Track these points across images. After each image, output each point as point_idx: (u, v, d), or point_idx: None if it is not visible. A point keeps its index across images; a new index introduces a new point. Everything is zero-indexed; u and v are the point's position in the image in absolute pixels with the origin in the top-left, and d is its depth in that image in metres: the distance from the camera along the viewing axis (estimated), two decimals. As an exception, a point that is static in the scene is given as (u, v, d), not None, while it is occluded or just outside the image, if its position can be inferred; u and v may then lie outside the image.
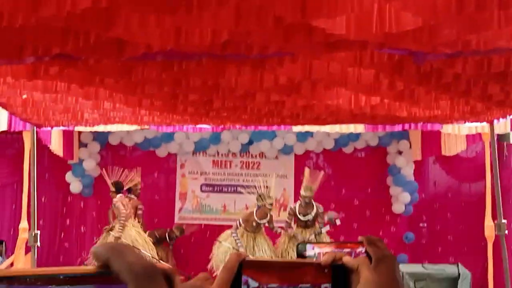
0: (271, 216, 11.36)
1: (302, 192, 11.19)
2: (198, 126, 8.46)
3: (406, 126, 9.36)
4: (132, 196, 11.74)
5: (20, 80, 5.14)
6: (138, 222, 11.31)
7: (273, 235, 11.58)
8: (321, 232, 11.14)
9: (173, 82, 5.28)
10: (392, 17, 3.42)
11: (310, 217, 11.15)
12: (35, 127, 8.35)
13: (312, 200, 11.25)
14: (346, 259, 1.06)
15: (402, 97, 6.07)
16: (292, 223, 11.45)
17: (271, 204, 11.37)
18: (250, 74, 5.10)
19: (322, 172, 12.07)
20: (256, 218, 11.14)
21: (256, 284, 0.99)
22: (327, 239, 11.01)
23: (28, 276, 0.82)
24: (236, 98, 5.99)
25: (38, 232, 8.54)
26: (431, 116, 7.49)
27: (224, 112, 6.74)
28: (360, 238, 1.49)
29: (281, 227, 11.45)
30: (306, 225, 11.24)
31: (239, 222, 11.27)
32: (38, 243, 8.52)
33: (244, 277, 1.00)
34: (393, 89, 5.62)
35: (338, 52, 4.46)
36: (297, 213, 11.14)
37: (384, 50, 4.40)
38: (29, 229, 9.64)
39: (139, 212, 11.62)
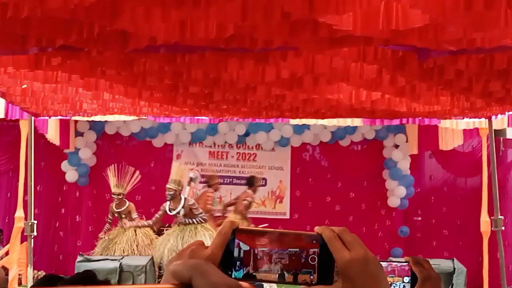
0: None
1: (170, 184, 10.88)
2: (196, 117, 8.42)
3: (404, 120, 9.37)
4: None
5: (21, 70, 5.12)
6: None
7: None
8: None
9: (174, 74, 5.26)
10: (399, 14, 3.41)
11: (178, 210, 10.95)
12: (32, 117, 8.32)
13: (179, 194, 10.93)
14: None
15: (403, 93, 6.07)
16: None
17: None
18: (252, 68, 5.09)
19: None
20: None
21: (247, 247, 1.05)
22: None
23: None
24: (237, 91, 5.98)
25: (35, 222, 8.53)
26: (430, 112, 7.50)
27: (224, 104, 6.72)
28: (405, 258, 1.51)
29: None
30: (184, 222, 10.95)
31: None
32: (35, 233, 8.51)
33: (236, 241, 1.05)
34: (394, 84, 5.61)
35: (343, 47, 4.45)
36: (168, 210, 10.93)
37: (389, 47, 4.40)
38: (25, 218, 9.63)
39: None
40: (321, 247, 1.06)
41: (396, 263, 1.62)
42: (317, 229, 1.08)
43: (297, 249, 1.05)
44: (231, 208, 12.16)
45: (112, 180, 11.43)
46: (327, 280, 1.06)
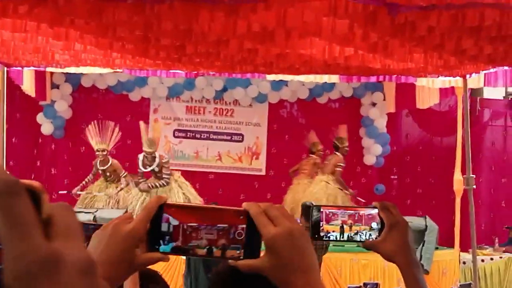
0: None
1: (146, 148, 11.00)
2: (172, 71, 8.35)
3: (381, 78, 9.37)
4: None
5: (-13, 18, 5.03)
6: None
7: None
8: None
9: (144, 25, 5.19)
10: (367, -34, 3.37)
11: (153, 167, 11.04)
12: (5, 67, 8.21)
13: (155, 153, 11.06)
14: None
15: (375, 49, 6.03)
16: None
17: None
18: (223, 20, 5.03)
19: None
20: None
21: (177, 222, 1.07)
22: None
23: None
24: (209, 44, 5.92)
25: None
26: (404, 69, 7.47)
27: (197, 58, 6.65)
28: (374, 203, 1.50)
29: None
30: (156, 176, 11.11)
31: None
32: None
33: (165, 215, 1.07)
34: (366, 40, 5.58)
35: (313, 0, 4.41)
36: (140, 166, 11.04)
37: (359, 0, 4.36)
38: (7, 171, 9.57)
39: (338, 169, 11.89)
40: (248, 223, 1.09)
41: (364, 211, 1.62)
42: (244, 205, 1.10)
43: (226, 225, 1.09)
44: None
45: (94, 137, 11.36)
46: (254, 255, 1.09)
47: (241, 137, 13.86)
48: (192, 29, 5.28)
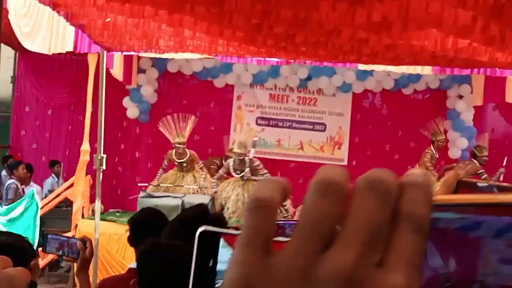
0: None
1: (236, 148, 10.71)
2: (264, 59, 8.32)
3: (472, 70, 9.19)
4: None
5: (110, 4, 5.08)
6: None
7: None
8: None
9: (263, 13, 5.16)
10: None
11: (244, 173, 10.83)
12: (105, 51, 8.31)
13: (245, 157, 10.79)
14: None
15: (491, 41, 5.88)
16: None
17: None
18: (344, 10, 4.96)
19: None
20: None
21: None
22: None
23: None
24: (321, 33, 5.86)
25: (104, 156, 8.60)
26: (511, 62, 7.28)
27: (303, 46, 6.60)
28: None
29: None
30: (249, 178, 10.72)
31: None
32: (104, 167, 8.57)
33: None
34: (486, 32, 5.43)
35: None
36: (233, 171, 10.77)
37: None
38: (91, 152, 9.74)
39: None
40: None
41: None
42: None
43: None
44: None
45: (170, 130, 11.34)
46: None
47: (323, 126, 13.76)
48: (310, 17, 5.23)
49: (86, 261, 3.71)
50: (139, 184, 11.66)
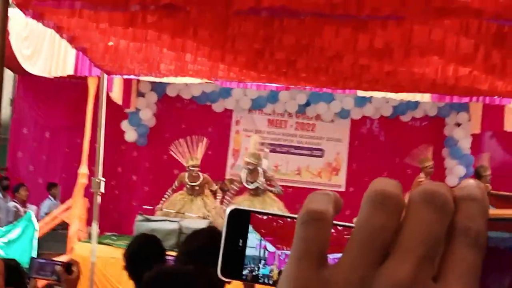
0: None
1: (246, 158, 10.65)
2: (269, 84, 8.34)
3: (474, 99, 9.19)
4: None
5: (113, 27, 5.09)
6: None
7: None
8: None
9: (265, 39, 5.18)
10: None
11: (257, 184, 10.77)
12: (105, 74, 8.33)
13: (258, 167, 10.73)
14: None
15: (493, 70, 5.91)
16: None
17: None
18: (347, 36, 4.98)
19: None
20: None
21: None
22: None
23: None
24: (323, 59, 5.89)
25: (103, 179, 8.58)
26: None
27: (304, 73, 6.63)
28: None
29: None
30: (256, 193, 10.74)
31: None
32: (102, 190, 8.55)
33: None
34: (488, 61, 5.45)
35: (449, 19, 4.33)
36: (245, 181, 10.64)
37: (498, 21, 4.26)
38: (89, 175, 9.72)
39: None
40: None
41: None
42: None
43: None
44: None
45: (184, 154, 11.23)
46: None
47: (321, 152, 13.77)
48: (313, 43, 5.25)
49: (70, 284, 3.69)
50: (144, 206, 11.59)
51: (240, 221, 0.80)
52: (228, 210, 0.80)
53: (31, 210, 10.58)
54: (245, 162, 10.68)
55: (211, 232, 3.33)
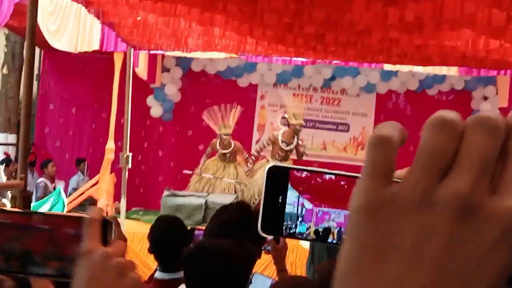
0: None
1: (294, 120, 10.68)
2: (296, 58, 8.30)
3: (501, 72, 9.10)
4: None
5: (142, 2, 5.08)
6: None
7: None
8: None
9: (295, 13, 5.15)
10: None
11: (292, 146, 10.76)
12: (132, 49, 8.33)
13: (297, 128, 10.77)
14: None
15: (524, 43, 5.83)
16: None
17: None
18: (377, 10, 4.94)
19: None
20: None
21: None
22: None
23: None
24: (352, 34, 5.84)
25: (130, 154, 8.62)
26: (542, 64, 7.22)
27: (333, 46, 6.59)
28: None
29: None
30: (285, 156, 10.82)
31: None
32: (130, 165, 8.60)
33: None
34: (520, 33, 5.39)
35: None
36: (281, 141, 10.69)
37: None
38: (116, 150, 9.78)
39: None
40: None
41: None
42: None
43: None
44: None
45: (216, 121, 11.29)
46: None
47: (347, 126, 13.72)
48: (343, 17, 5.21)
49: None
50: (184, 171, 11.66)
51: (279, 178, 0.81)
52: (267, 167, 0.81)
53: (60, 185, 10.66)
54: (291, 124, 10.69)
55: (239, 206, 3.35)
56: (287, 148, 10.55)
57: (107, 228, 0.96)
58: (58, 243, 0.99)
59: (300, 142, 10.80)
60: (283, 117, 11.09)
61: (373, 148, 0.52)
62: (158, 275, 3.74)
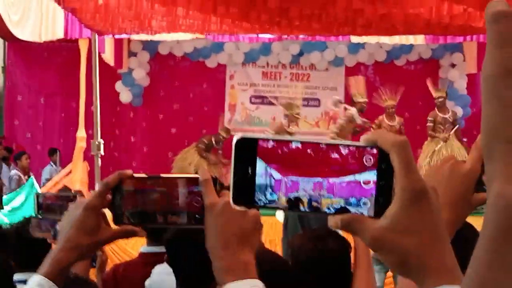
0: None
1: (360, 98, 11.25)
2: (262, 35, 8.28)
3: (468, 38, 9.15)
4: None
5: (102, -16, 5.03)
6: None
7: None
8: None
9: (257, -13, 5.12)
10: None
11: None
12: (96, 35, 8.25)
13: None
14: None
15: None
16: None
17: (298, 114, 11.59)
18: (339, -20, 4.93)
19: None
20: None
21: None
22: None
23: None
24: (316, 6, 5.83)
25: (102, 141, 8.56)
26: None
27: (297, 21, 6.57)
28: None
29: None
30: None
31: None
32: (102, 152, 8.54)
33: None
34: (483, -4, 5.41)
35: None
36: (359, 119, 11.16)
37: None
38: (87, 138, 9.70)
39: None
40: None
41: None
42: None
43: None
44: None
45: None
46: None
47: (317, 102, 13.74)
48: (305, -10, 5.19)
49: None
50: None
51: (247, 149, 0.81)
52: (234, 139, 0.80)
53: (33, 177, 10.57)
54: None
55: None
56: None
57: (216, 184, 1.18)
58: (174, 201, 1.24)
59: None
60: (339, 101, 11.40)
61: (495, 22, 0.58)
62: (143, 249, 3.73)
